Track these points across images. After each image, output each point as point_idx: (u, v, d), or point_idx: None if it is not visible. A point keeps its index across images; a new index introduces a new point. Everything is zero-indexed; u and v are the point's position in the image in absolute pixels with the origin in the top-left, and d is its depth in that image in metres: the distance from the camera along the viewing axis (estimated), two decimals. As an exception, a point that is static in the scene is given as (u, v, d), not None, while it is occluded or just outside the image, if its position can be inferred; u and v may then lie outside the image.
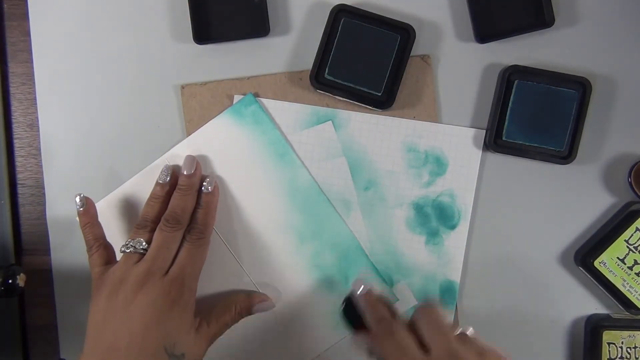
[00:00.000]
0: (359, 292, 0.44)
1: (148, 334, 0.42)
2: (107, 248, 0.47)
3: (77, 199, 0.48)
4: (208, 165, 0.51)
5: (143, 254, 0.45)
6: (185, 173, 0.49)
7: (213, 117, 0.51)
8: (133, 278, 0.44)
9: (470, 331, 0.42)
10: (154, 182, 0.49)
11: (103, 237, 0.48)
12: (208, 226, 0.48)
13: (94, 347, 0.43)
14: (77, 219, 0.48)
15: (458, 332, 0.41)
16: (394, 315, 0.43)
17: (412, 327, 0.42)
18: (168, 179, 0.49)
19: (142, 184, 0.51)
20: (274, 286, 0.51)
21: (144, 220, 0.47)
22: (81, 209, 0.48)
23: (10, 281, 0.46)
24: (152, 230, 0.47)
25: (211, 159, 0.51)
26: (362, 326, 0.43)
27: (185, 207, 0.47)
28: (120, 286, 0.44)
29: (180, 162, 0.50)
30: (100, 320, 0.43)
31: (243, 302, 0.49)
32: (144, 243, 0.46)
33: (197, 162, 0.50)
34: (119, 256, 0.47)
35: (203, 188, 0.49)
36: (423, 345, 0.40)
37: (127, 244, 0.46)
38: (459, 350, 0.39)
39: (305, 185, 0.50)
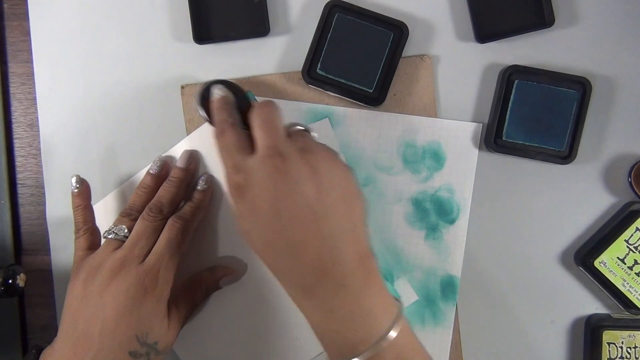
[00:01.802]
0: (213, 97, 0.43)
1: (120, 321, 0.42)
2: (94, 233, 0.47)
3: (73, 180, 0.47)
4: (205, 163, 0.51)
5: (123, 241, 0.45)
6: (178, 165, 0.49)
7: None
8: (109, 265, 0.43)
9: (313, 133, 0.42)
10: None
11: (93, 221, 0.48)
12: (193, 217, 0.47)
13: (68, 332, 0.43)
14: (71, 199, 0.48)
15: (294, 129, 0.41)
16: (237, 119, 0.42)
17: (249, 126, 0.41)
18: (158, 169, 0.49)
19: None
20: (239, 258, 0.50)
21: (130, 208, 0.47)
22: (76, 190, 0.47)
23: (10, 281, 0.46)
24: (136, 219, 0.46)
25: (208, 157, 0.51)
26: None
27: (171, 199, 0.47)
28: (97, 272, 0.43)
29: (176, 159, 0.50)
30: (75, 306, 0.43)
31: (208, 279, 0.49)
32: (125, 230, 0.46)
33: (194, 158, 0.50)
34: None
35: (198, 185, 0.49)
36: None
37: (109, 230, 0.46)
38: (280, 146, 0.38)
39: None
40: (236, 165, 0.38)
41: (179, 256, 0.46)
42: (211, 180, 0.50)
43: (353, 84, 0.49)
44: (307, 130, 0.42)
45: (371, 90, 0.49)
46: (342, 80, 0.49)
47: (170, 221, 0.46)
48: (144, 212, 0.46)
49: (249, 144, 0.40)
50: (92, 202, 0.48)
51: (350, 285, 0.36)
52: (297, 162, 0.37)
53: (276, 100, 0.51)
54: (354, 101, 0.50)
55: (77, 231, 0.47)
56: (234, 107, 0.43)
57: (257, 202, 0.37)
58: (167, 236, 0.45)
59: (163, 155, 0.51)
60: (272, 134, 0.39)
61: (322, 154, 0.39)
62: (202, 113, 0.44)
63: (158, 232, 0.46)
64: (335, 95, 0.50)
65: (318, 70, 0.49)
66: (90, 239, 0.46)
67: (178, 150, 0.51)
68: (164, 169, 0.49)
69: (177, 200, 0.48)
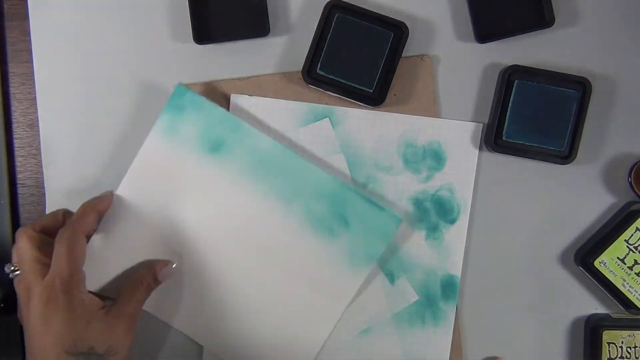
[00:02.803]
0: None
1: (42, 344, 0.43)
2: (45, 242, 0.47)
3: (104, 193, 0.49)
4: (171, 166, 0.50)
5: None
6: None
7: (213, 117, 0.51)
8: (20, 296, 0.45)
9: None
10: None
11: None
12: (72, 223, 0.46)
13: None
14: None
15: None
16: None
17: None
18: (99, 202, 0.48)
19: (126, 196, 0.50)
20: (173, 249, 0.50)
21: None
22: (95, 201, 0.48)
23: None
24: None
25: (171, 156, 0.50)
26: None
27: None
28: (22, 306, 0.45)
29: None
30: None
31: (147, 275, 0.48)
32: (12, 267, 0.46)
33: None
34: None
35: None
36: None
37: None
38: None
39: (269, 150, 0.50)
40: None
41: (75, 260, 0.45)
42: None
43: (353, 84, 0.49)
44: None
45: (371, 90, 0.49)
46: (342, 80, 0.49)
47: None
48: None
49: None
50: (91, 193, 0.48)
51: None
52: None
53: (276, 101, 0.51)
54: (354, 101, 0.50)
55: (32, 224, 0.47)
56: None
57: None
58: (57, 248, 0.45)
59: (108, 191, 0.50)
60: None
61: None
62: None
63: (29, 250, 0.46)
64: (336, 95, 0.50)
65: (318, 70, 0.49)
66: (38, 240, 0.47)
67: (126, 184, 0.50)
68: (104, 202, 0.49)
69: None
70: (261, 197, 0.50)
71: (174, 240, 0.50)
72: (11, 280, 0.46)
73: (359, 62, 0.49)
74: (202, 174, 0.50)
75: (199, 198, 0.50)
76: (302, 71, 0.49)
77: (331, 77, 0.49)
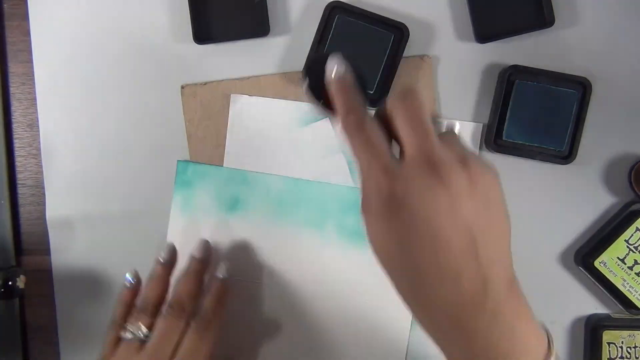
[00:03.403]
0: (332, 75, 0.36)
1: None
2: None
3: (129, 276, 0.47)
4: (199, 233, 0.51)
5: (144, 341, 0.43)
6: (196, 256, 0.48)
7: (212, 117, 0.51)
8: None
9: (457, 128, 0.36)
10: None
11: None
12: (217, 315, 0.45)
13: None
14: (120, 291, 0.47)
15: (443, 129, 0.35)
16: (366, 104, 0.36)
17: (387, 121, 0.34)
18: (169, 258, 0.47)
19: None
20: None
21: (145, 302, 0.45)
22: (129, 285, 0.46)
23: (10, 283, 0.46)
24: (154, 314, 0.44)
25: (197, 228, 0.51)
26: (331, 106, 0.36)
27: (192, 293, 0.45)
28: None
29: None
30: None
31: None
32: (144, 329, 0.43)
33: (210, 247, 0.49)
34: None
35: (217, 273, 0.48)
36: (398, 144, 0.33)
37: (126, 328, 0.44)
38: (438, 154, 0.31)
39: (282, 187, 0.51)
40: (389, 169, 0.31)
41: (208, 356, 0.44)
42: (229, 269, 0.48)
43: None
44: (454, 133, 0.35)
45: (372, 92, 0.49)
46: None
47: (194, 324, 0.44)
48: (164, 309, 0.44)
49: (391, 140, 0.34)
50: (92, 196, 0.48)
51: (505, 315, 0.32)
52: (458, 173, 0.31)
53: (276, 101, 0.51)
54: None
55: (112, 322, 0.45)
56: (357, 88, 0.36)
57: (414, 219, 0.31)
58: (192, 337, 0.43)
59: (172, 243, 0.49)
60: (427, 137, 0.32)
61: (481, 168, 0.33)
62: (310, 96, 0.36)
63: (181, 331, 0.43)
64: None
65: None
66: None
67: (173, 232, 0.51)
68: (173, 256, 0.48)
69: (197, 294, 0.46)
70: (294, 233, 0.51)
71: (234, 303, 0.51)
72: (9, 265, 0.46)
73: (359, 63, 0.49)
74: (232, 234, 0.51)
75: (239, 257, 0.51)
76: (302, 73, 0.49)
77: None
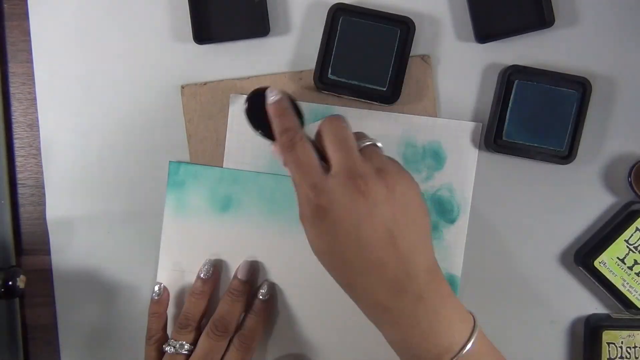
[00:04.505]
0: (270, 100, 0.41)
1: None
2: (165, 341, 0.48)
3: (156, 288, 0.49)
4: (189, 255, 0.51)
5: (187, 355, 0.46)
6: (239, 277, 0.49)
7: (212, 117, 0.51)
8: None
9: (379, 143, 0.41)
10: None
11: (165, 328, 0.49)
12: (257, 334, 0.48)
13: None
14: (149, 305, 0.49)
15: (364, 144, 0.40)
16: (301, 127, 0.41)
17: (318, 140, 0.40)
18: (210, 274, 0.49)
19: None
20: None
21: (186, 318, 0.47)
22: (156, 297, 0.48)
23: (10, 283, 0.46)
24: (195, 330, 0.47)
25: (191, 229, 0.51)
26: (269, 129, 0.41)
27: (235, 314, 0.47)
28: None
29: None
30: None
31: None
32: (186, 346, 0.46)
33: (254, 268, 0.50)
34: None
35: (260, 295, 0.49)
36: (326, 160, 0.39)
37: (169, 343, 0.46)
38: (358, 168, 0.37)
39: (274, 185, 0.51)
40: (316, 184, 0.38)
41: None
42: (273, 288, 0.50)
43: (366, 85, 0.49)
44: (375, 145, 0.41)
45: (384, 89, 0.49)
46: (355, 82, 0.49)
47: (237, 342, 0.46)
48: (208, 328, 0.46)
49: (321, 158, 0.39)
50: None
51: (428, 297, 0.37)
52: (375, 183, 0.37)
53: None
54: (369, 101, 0.50)
55: (149, 338, 0.48)
56: (293, 111, 0.41)
57: (339, 225, 0.37)
58: (234, 355, 0.46)
59: (212, 259, 0.51)
60: (349, 154, 0.38)
61: (397, 175, 0.39)
62: (250, 125, 0.42)
63: (223, 350, 0.46)
64: (349, 97, 0.50)
65: (329, 75, 0.49)
66: (161, 349, 0.47)
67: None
68: (215, 272, 0.49)
69: (240, 314, 0.48)
70: (287, 231, 0.51)
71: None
72: (9, 265, 0.46)
73: (369, 62, 0.49)
74: (226, 233, 0.51)
75: (232, 256, 0.51)
76: (314, 78, 0.49)
77: (343, 80, 0.49)
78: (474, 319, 0.39)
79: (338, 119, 0.40)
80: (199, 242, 0.51)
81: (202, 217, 0.51)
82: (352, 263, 0.37)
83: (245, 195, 0.51)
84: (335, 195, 0.37)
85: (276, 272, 0.51)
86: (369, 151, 0.40)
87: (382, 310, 0.38)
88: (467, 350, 0.37)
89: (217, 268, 0.50)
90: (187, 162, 0.51)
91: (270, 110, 0.41)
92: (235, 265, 0.50)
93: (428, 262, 0.38)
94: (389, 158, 0.40)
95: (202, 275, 0.49)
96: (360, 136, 0.41)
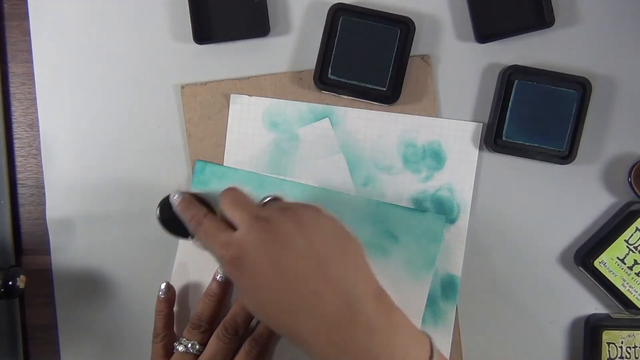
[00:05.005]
0: (174, 203, 0.45)
1: None
2: (172, 339, 0.48)
3: (162, 286, 0.48)
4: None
5: (196, 355, 0.46)
6: None
7: (212, 117, 0.51)
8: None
9: (273, 196, 0.44)
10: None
11: (172, 326, 0.48)
12: (269, 340, 0.47)
13: None
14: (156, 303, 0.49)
15: (264, 201, 0.43)
16: (210, 210, 0.44)
17: (221, 213, 0.42)
18: (226, 277, 0.48)
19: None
20: None
21: (199, 319, 0.47)
22: (163, 296, 0.48)
23: (10, 283, 0.46)
24: (206, 331, 0.47)
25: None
26: (183, 230, 0.46)
27: (247, 318, 0.47)
28: None
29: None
30: None
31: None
32: (197, 346, 0.46)
33: None
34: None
35: None
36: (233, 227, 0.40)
37: (180, 341, 0.46)
38: (259, 213, 0.39)
39: (298, 192, 0.50)
40: (224, 242, 0.39)
41: None
42: None
43: (366, 85, 0.49)
44: (276, 197, 0.44)
45: (384, 89, 0.49)
46: (355, 82, 0.49)
47: (247, 346, 0.46)
48: (219, 330, 0.46)
49: (229, 225, 0.41)
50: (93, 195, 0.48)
51: (380, 328, 0.36)
52: (280, 221, 0.38)
53: (275, 101, 0.51)
54: (369, 101, 0.50)
55: (156, 335, 0.47)
56: (196, 202, 0.45)
57: (258, 268, 0.37)
58: (244, 358, 0.45)
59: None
60: (246, 208, 0.40)
61: (301, 208, 0.39)
62: (167, 231, 0.47)
63: (232, 353, 0.46)
64: (349, 97, 0.50)
65: (330, 75, 0.49)
66: (168, 347, 0.47)
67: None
68: None
69: (251, 319, 0.48)
70: None
71: None
72: (9, 265, 0.46)
73: (369, 62, 0.49)
74: None
75: None
76: (314, 77, 0.49)
77: (343, 80, 0.49)
78: (430, 342, 0.38)
79: (233, 188, 0.43)
80: None
81: None
82: (283, 303, 0.36)
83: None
84: (244, 242, 0.38)
85: None
86: (270, 202, 0.43)
87: (335, 351, 0.36)
88: None
89: None
90: (213, 163, 0.51)
91: (178, 211, 0.45)
92: None
93: (370, 288, 0.37)
94: (297, 202, 0.41)
95: (217, 277, 0.49)
96: (262, 198, 0.45)
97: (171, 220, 0.46)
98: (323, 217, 0.39)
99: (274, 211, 0.39)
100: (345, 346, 0.35)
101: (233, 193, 0.42)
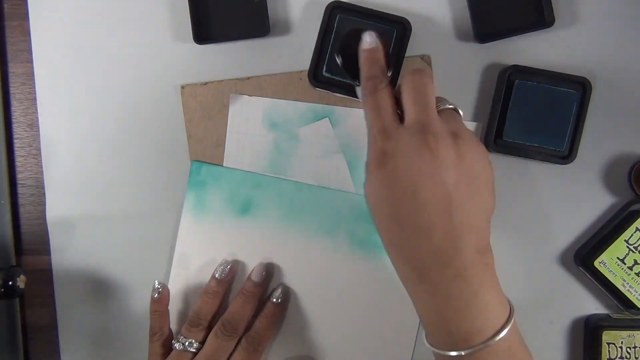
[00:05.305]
0: (364, 45, 0.42)
1: None
2: (169, 338, 0.48)
3: (155, 284, 0.48)
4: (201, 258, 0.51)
5: (195, 353, 0.46)
6: (253, 279, 0.48)
7: (212, 117, 0.51)
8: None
9: (461, 111, 0.40)
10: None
11: (168, 324, 0.49)
12: (266, 337, 0.47)
13: None
14: (150, 303, 0.49)
15: (445, 107, 0.39)
16: (387, 75, 0.41)
17: (399, 93, 0.40)
18: (226, 275, 0.49)
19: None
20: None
21: (197, 317, 0.47)
22: (156, 296, 0.48)
23: (10, 283, 0.46)
24: (205, 329, 0.47)
25: (209, 231, 0.51)
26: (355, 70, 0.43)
27: (246, 315, 0.47)
28: None
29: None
30: None
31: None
32: (195, 344, 0.46)
33: (269, 271, 0.50)
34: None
35: (273, 297, 0.49)
36: (403, 113, 0.38)
37: (178, 339, 0.46)
38: (432, 125, 0.36)
39: (294, 192, 0.50)
40: (386, 130, 0.37)
41: None
42: (287, 293, 0.50)
43: (359, 83, 0.49)
44: (456, 110, 0.40)
45: None
46: (348, 81, 0.49)
47: (244, 344, 0.46)
48: (216, 328, 0.46)
49: (397, 109, 0.38)
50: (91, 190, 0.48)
51: (469, 276, 0.36)
52: (446, 145, 0.36)
53: (275, 101, 0.51)
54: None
55: (152, 335, 0.47)
56: (384, 63, 0.41)
57: (399, 174, 0.36)
58: (241, 356, 0.46)
59: (229, 259, 0.50)
60: (425, 109, 0.37)
61: (471, 142, 0.37)
62: (340, 61, 0.43)
63: (230, 350, 0.46)
64: (343, 95, 0.50)
65: (324, 73, 0.49)
66: (165, 345, 0.47)
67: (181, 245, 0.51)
68: (230, 273, 0.49)
69: (250, 316, 0.48)
70: (306, 238, 0.50)
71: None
72: (9, 265, 0.47)
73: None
74: (243, 236, 0.51)
75: (248, 259, 0.51)
76: (308, 74, 0.49)
77: (337, 78, 0.49)
78: (511, 308, 0.38)
79: (422, 73, 0.38)
80: (215, 242, 0.51)
81: (221, 218, 0.51)
82: (401, 220, 0.36)
83: (265, 200, 0.51)
84: (402, 144, 0.36)
85: (291, 278, 0.51)
86: (448, 114, 0.39)
87: (419, 277, 0.36)
88: (500, 337, 0.36)
89: (232, 269, 0.50)
90: (210, 163, 0.51)
91: (362, 55, 0.42)
92: (250, 267, 0.50)
93: (480, 242, 0.37)
94: (470, 131, 0.39)
95: (217, 275, 0.49)
96: (441, 99, 0.40)
97: (348, 54, 0.43)
98: (484, 161, 0.38)
99: (445, 131, 0.36)
100: (430, 279, 0.36)
101: (420, 81, 0.38)
